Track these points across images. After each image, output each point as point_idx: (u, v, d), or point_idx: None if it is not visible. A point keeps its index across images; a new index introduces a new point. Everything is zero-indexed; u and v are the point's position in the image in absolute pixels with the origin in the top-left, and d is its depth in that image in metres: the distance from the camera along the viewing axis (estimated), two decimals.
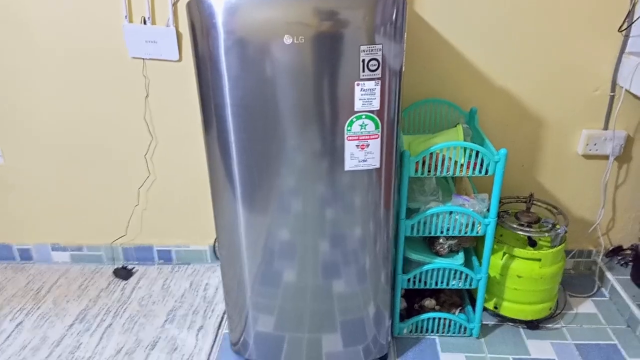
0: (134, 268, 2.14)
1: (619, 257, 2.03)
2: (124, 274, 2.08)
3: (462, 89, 1.82)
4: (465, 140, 1.59)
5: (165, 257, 2.18)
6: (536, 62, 1.76)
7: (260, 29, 1.21)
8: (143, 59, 1.82)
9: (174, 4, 1.72)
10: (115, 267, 2.14)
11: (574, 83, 1.79)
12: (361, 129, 1.30)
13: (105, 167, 2.02)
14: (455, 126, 1.67)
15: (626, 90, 1.72)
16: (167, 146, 1.97)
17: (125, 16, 1.74)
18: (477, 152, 1.49)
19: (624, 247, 2.04)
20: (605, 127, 1.84)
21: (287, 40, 1.21)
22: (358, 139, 1.31)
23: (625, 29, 1.68)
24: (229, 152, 1.36)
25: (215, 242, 2.15)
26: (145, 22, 1.75)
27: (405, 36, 1.23)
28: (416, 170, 1.51)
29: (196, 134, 1.94)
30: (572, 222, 2.01)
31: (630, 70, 1.65)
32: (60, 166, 2.03)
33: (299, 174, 1.37)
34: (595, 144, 1.86)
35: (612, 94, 1.79)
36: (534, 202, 1.81)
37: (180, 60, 1.81)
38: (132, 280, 2.07)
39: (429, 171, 1.52)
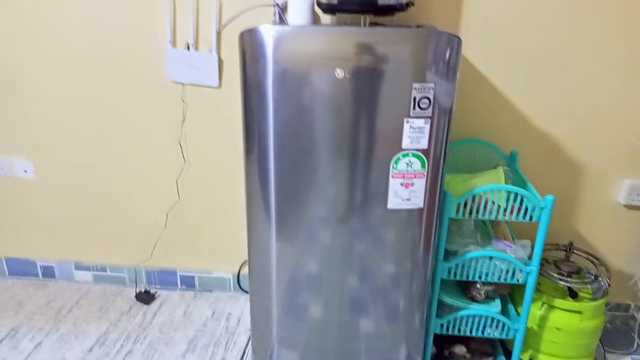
0: (156, 292, 2.10)
1: None
2: (146, 298, 2.04)
3: (502, 131, 1.78)
4: (505, 181, 1.54)
5: (188, 282, 2.14)
6: (579, 107, 1.73)
7: (311, 61, 1.20)
8: (183, 83, 1.82)
9: (219, 32, 1.74)
10: (138, 290, 2.10)
11: (617, 130, 1.74)
12: (407, 167, 1.27)
13: (136, 188, 2.01)
14: (496, 167, 1.63)
15: None
16: (198, 171, 1.96)
17: (170, 41, 1.76)
18: (521, 197, 1.44)
19: None
20: None
21: (339, 73, 1.19)
22: (403, 177, 1.28)
23: None
24: (267, 179, 1.34)
25: (239, 270, 2.10)
26: (188, 48, 1.76)
27: (458, 75, 1.21)
28: (457, 212, 1.47)
29: (228, 160, 1.92)
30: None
31: None
32: (89, 185, 2.03)
33: (338, 207, 1.34)
34: (638, 194, 1.80)
35: None
36: (574, 250, 1.74)
37: (219, 87, 1.82)
38: (154, 304, 2.03)
39: (470, 213, 1.48)
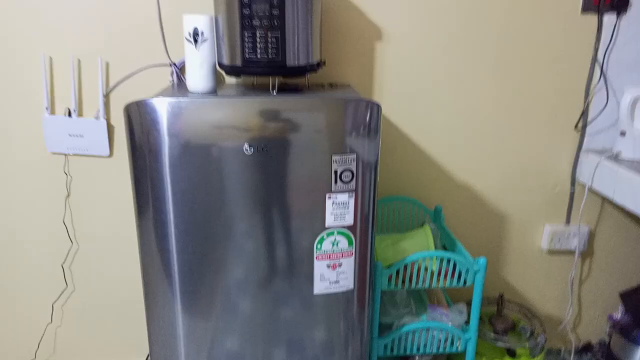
0: None
1: (589, 354, 1.93)
2: None
3: (425, 186, 1.71)
4: (434, 241, 1.45)
5: None
6: (496, 159, 1.70)
7: (214, 135, 1.03)
8: (65, 154, 1.56)
9: (106, 95, 1.51)
10: None
11: (535, 179, 1.74)
12: (333, 246, 1.12)
13: (13, 278, 1.68)
14: (422, 226, 1.54)
15: (587, 186, 1.69)
16: (89, 252, 1.67)
17: (47, 107, 1.50)
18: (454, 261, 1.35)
19: (592, 343, 1.95)
20: (567, 222, 1.80)
21: (247, 149, 1.03)
22: (329, 258, 1.13)
23: (582, 127, 1.67)
24: (167, 244, 1.13)
25: (146, 359, 1.82)
26: (70, 114, 1.51)
27: (380, 143, 1.10)
28: (389, 282, 1.34)
29: (125, 237, 1.66)
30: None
31: (590, 167, 1.63)
32: None
33: (257, 297, 1.15)
34: (559, 240, 1.80)
35: (572, 189, 1.75)
36: (505, 304, 1.68)
37: (110, 155, 1.58)
38: None
39: (403, 283, 1.36)
